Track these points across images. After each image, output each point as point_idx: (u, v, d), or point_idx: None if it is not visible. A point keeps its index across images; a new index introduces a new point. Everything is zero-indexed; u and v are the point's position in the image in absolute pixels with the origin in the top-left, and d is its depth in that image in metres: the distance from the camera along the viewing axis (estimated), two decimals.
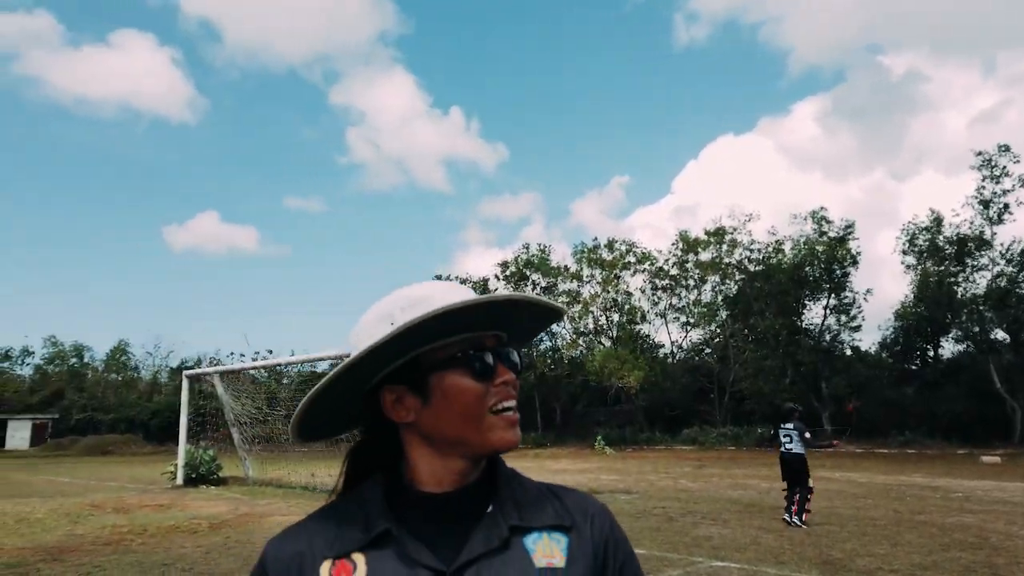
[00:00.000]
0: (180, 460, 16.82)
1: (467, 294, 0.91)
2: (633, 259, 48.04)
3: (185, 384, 17.48)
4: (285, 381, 35.28)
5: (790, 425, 10.73)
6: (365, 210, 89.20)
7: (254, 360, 40.79)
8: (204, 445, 17.37)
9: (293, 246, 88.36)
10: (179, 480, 16.60)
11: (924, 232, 39.66)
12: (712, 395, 41.78)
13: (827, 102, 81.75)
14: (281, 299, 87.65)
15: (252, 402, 17.02)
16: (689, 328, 47.17)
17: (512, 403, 0.91)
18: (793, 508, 10.25)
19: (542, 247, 51.99)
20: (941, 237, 38.95)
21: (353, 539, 0.87)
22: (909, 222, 40.38)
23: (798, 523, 10.07)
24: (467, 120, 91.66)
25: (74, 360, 55.43)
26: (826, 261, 40.20)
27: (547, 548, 0.90)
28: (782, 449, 10.76)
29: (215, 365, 51.42)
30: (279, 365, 23.34)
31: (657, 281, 47.12)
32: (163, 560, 7.77)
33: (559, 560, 0.89)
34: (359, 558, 0.86)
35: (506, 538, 0.88)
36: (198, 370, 19.72)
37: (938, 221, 39.09)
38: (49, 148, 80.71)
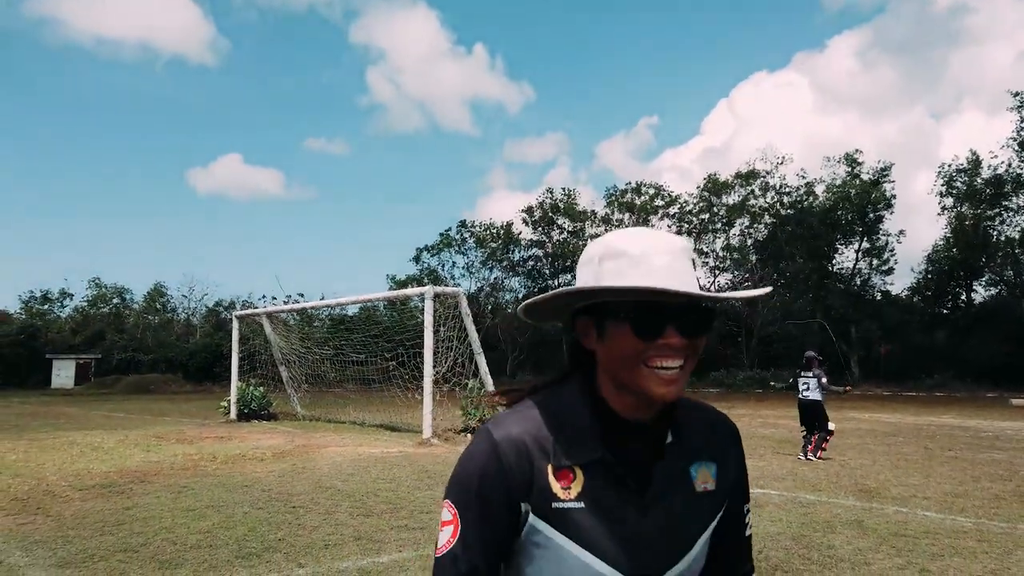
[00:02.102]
0: (232, 396, 17.68)
1: (663, 252, 0.98)
2: (661, 203, 47.81)
3: (235, 324, 18.23)
4: (316, 324, 36.16)
5: (809, 373, 11.05)
6: (388, 152, 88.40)
7: (294, 301, 41.67)
8: (254, 382, 18.14)
9: (318, 189, 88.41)
10: (232, 415, 17.46)
11: (961, 174, 38.89)
12: (740, 339, 42.00)
13: (866, 35, 78.56)
14: (308, 242, 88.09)
15: (302, 343, 17.68)
16: (717, 272, 47.16)
17: (671, 363, 0.95)
18: (809, 447, 10.66)
19: (567, 191, 51.75)
20: (979, 179, 38.20)
21: (574, 454, 1.00)
22: (946, 164, 39.61)
23: (813, 458, 10.47)
24: (491, 58, 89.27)
25: (116, 301, 56.93)
26: (859, 204, 39.69)
27: (704, 475, 1.07)
28: (799, 395, 11.13)
29: (247, 308, 52.70)
30: (320, 308, 24.00)
31: (685, 224, 46.93)
32: (242, 483, 8.41)
33: (711, 484, 1.07)
34: (578, 471, 0.99)
35: (681, 467, 1.05)
36: (248, 311, 20.40)
37: (976, 162, 38.28)
38: (69, 89, 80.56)
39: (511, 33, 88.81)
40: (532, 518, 0.98)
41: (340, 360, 17.42)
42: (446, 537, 0.99)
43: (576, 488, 0.98)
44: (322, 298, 51.03)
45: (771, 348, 40.77)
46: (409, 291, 15.07)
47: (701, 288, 0.98)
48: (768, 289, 1.11)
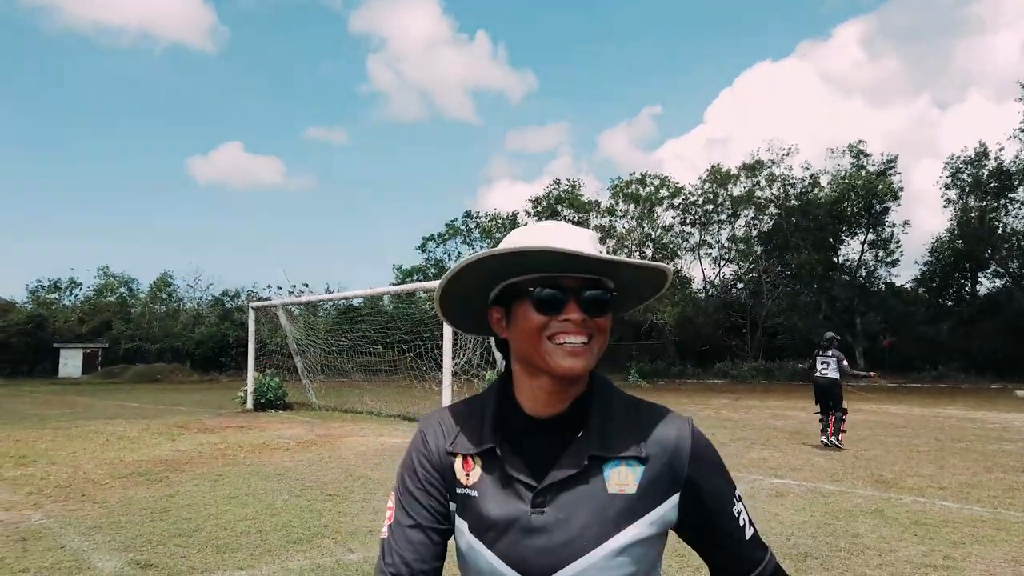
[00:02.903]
0: (249, 386, 17.91)
1: (567, 237, 1.01)
2: (666, 193, 47.85)
3: (251, 315, 18.45)
4: (321, 314, 36.38)
5: (829, 353, 11.28)
6: (389, 141, 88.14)
7: (300, 292, 41.88)
8: (270, 373, 18.39)
9: (318, 177, 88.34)
10: (249, 405, 17.70)
11: (967, 166, 38.96)
12: (744, 330, 42.21)
13: (871, 23, 78.37)
14: (308, 231, 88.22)
15: (318, 334, 17.89)
16: (722, 263, 47.31)
17: (573, 339, 0.98)
18: (828, 430, 10.90)
19: (572, 182, 51.82)
20: (984, 171, 38.27)
21: (472, 444, 1.06)
22: (953, 155, 39.67)
23: (836, 443, 10.71)
24: (494, 46, 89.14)
25: (122, 291, 57.21)
26: (865, 196, 39.79)
27: (622, 476, 1.00)
28: (816, 374, 11.32)
29: (253, 297, 52.90)
30: (336, 299, 24.27)
31: (688, 216, 47.00)
32: (274, 471, 8.64)
33: (631, 487, 1.00)
34: (477, 460, 1.05)
35: (585, 465, 1.00)
36: (263, 302, 20.62)
37: (983, 153, 38.34)
38: (68, 77, 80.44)
39: (513, 21, 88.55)
40: (450, 502, 1.06)
41: (356, 351, 17.65)
42: (386, 520, 1.09)
43: (474, 476, 1.04)
44: (327, 288, 51.37)
45: (776, 339, 40.99)
46: (429, 284, 15.25)
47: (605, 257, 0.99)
48: (671, 268, 1.05)
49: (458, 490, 1.05)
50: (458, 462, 1.06)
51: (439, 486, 1.06)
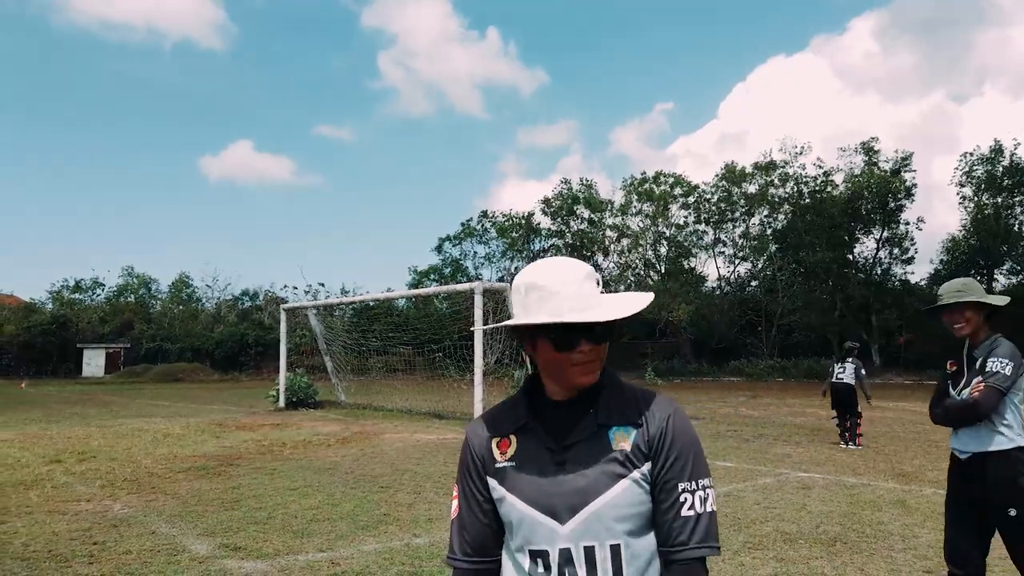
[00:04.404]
0: (281, 385, 18.49)
1: (571, 283, 1.27)
2: (680, 191, 48.11)
3: (283, 316, 19.07)
4: (337, 313, 36.98)
5: (849, 360, 11.72)
6: (399, 138, 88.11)
7: (315, 291, 42.40)
8: (300, 372, 18.96)
9: (328, 175, 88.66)
10: (281, 403, 18.28)
11: (983, 163, 39.00)
12: (759, 328, 42.42)
13: (886, 16, 77.96)
14: (320, 229, 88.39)
15: (348, 335, 18.43)
16: (737, 261, 47.52)
17: (585, 363, 1.28)
18: (847, 435, 11.32)
19: (587, 182, 52.18)
20: (1000, 168, 38.30)
21: (509, 426, 1.36)
22: (968, 153, 39.70)
23: (853, 447, 11.10)
24: (504, 43, 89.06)
25: (143, 291, 58.10)
26: (879, 194, 39.91)
27: (620, 437, 1.29)
28: (833, 379, 11.80)
29: (269, 297, 53.61)
30: (368, 300, 24.91)
31: (702, 214, 47.24)
32: (323, 466, 9.14)
33: (627, 446, 1.29)
34: (513, 438, 1.35)
35: (594, 431, 1.30)
36: (296, 304, 21.18)
37: (998, 151, 38.38)
38: (78, 75, 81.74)
39: (525, 17, 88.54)
40: (488, 479, 1.34)
41: (385, 351, 18.16)
42: (453, 507, 1.41)
43: (510, 451, 1.33)
44: (343, 288, 52.11)
45: (791, 337, 41.19)
46: (459, 286, 15.76)
47: (604, 294, 1.30)
48: (650, 295, 1.33)
49: (496, 466, 1.34)
50: (494, 445, 1.35)
51: (481, 472, 1.36)
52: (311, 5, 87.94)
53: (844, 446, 11.17)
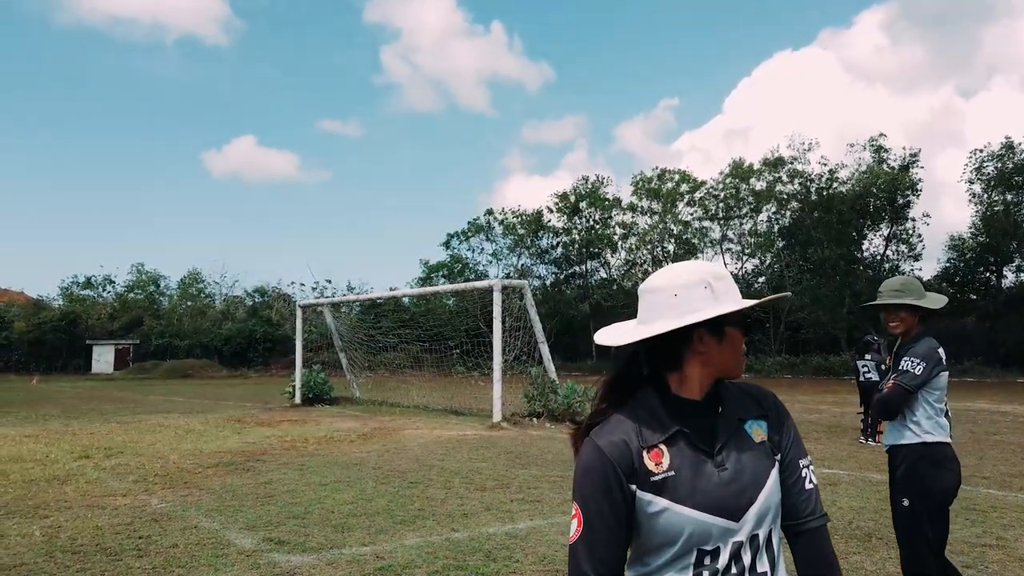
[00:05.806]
0: (297, 382, 18.61)
1: (732, 284, 1.38)
2: (686, 188, 48.10)
3: (299, 313, 19.21)
4: (344, 309, 37.08)
5: (868, 357, 11.77)
6: (403, 133, 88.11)
7: (323, 288, 42.51)
8: (317, 368, 19.07)
9: (333, 171, 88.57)
10: (297, 399, 18.39)
11: (994, 160, 38.91)
12: (767, 324, 42.43)
13: (895, 9, 77.60)
14: (324, 224, 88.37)
15: (364, 331, 18.51)
16: (744, 258, 47.51)
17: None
18: (868, 430, 11.39)
19: (600, 179, 52.31)
20: (1010, 164, 38.20)
21: (657, 435, 1.30)
22: (978, 149, 39.61)
23: (873, 443, 11.15)
24: (509, 37, 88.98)
25: (152, 288, 58.32)
26: (887, 191, 39.85)
27: (756, 430, 1.35)
28: (860, 379, 11.87)
29: (276, 293, 53.75)
30: (384, 298, 25.05)
31: (708, 211, 47.24)
32: (350, 462, 9.22)
33: (764, 436, 1.35)
34: (663, 447, 1.30)
35: (736, 427, 1.34)
36: (312, 301, 21.31)
37: (1008, 147, 38.29)
38: (81, 71, 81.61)
39: (529, 12, 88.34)
40: (639, 493, 1.28)
41: (401, 348, 18.26)
42: (573, 528, 1.30)
43: (666, 461, 1.28)
44: (348, 285, 52.12)
45: (799, 334, 41.19)
46: (477, 283, 15.84)
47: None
48: (788, 294, 1.63)
49: (652, 479, 1.28)
50: (645, 457, 1.29)
51: (626, 487, 1.28)
52: (315, 0, 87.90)
53: (863, 442, 11.22)
